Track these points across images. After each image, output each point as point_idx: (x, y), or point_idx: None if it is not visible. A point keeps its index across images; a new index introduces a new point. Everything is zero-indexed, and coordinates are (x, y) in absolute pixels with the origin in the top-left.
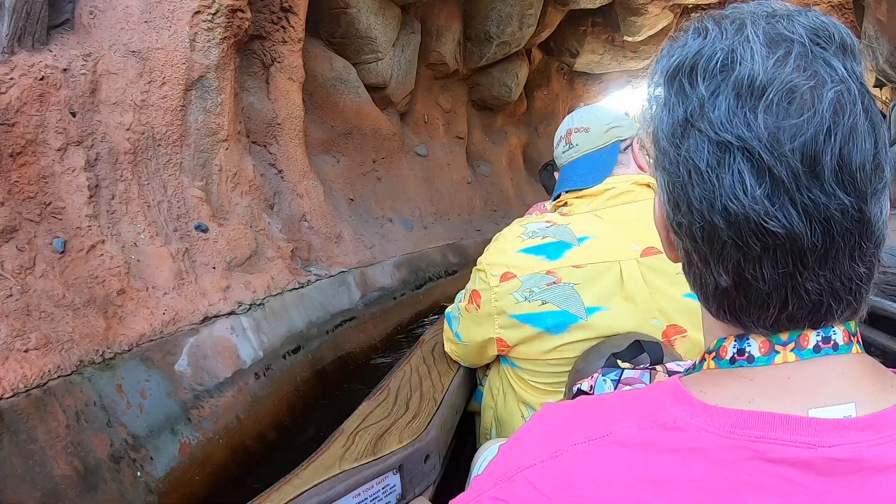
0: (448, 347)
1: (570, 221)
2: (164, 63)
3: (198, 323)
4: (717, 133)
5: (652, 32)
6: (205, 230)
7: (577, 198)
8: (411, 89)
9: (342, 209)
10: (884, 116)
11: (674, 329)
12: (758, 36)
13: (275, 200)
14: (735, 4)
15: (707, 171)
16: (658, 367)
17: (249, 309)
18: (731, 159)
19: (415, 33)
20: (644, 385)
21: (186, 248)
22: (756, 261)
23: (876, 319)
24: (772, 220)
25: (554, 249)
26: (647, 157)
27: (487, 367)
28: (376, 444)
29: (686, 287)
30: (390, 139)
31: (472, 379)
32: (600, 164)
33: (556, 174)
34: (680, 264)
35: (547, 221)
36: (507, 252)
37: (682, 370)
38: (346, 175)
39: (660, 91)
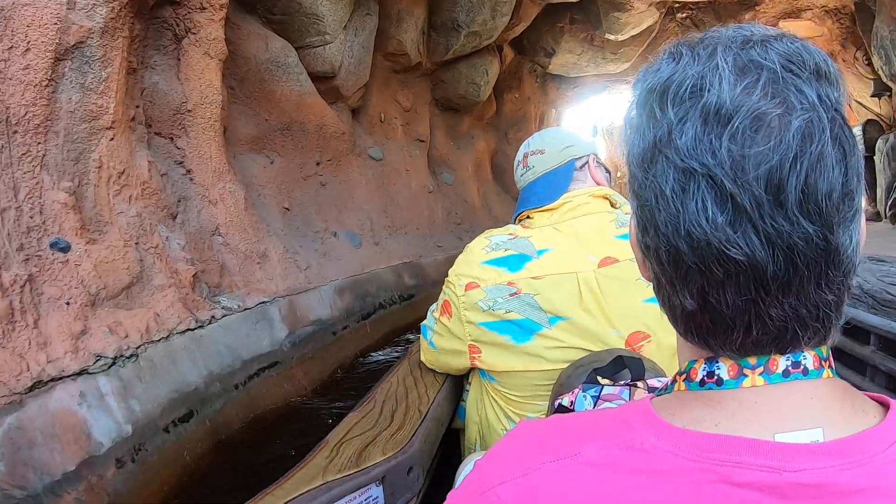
0: (423, 357)
1: (531, 234)
2: (29, 23)
3: (22, 392)
4: (682, 160)
5: (635, 31)
6: (64, 249)
7: (538, 212)
8: (365, 82)
9: (272, 221)
10: (883, 128)
11: (638, 335)
12: (727, 62)
13: (178, 209)
14: (715, 29)
15: (672, 197)
16: (639, 384)
17: (113, 364)
18: (696, 186)
19: (371, 15)
20: (623, 401)
21: (30, 276)
22: (719, 286)
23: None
24: (734, 248)
25: (515, 261)
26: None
27: (469, 382)
28: (360, 456)
29: (648, 292)
30: (338, 138)
31: (459, 392)
32: (555, 182)
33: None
34: (637, 271)
35: (510, 234)
36: (473, 263)
37: (661, 386)
38: (282, 179)
39: (634, 114)
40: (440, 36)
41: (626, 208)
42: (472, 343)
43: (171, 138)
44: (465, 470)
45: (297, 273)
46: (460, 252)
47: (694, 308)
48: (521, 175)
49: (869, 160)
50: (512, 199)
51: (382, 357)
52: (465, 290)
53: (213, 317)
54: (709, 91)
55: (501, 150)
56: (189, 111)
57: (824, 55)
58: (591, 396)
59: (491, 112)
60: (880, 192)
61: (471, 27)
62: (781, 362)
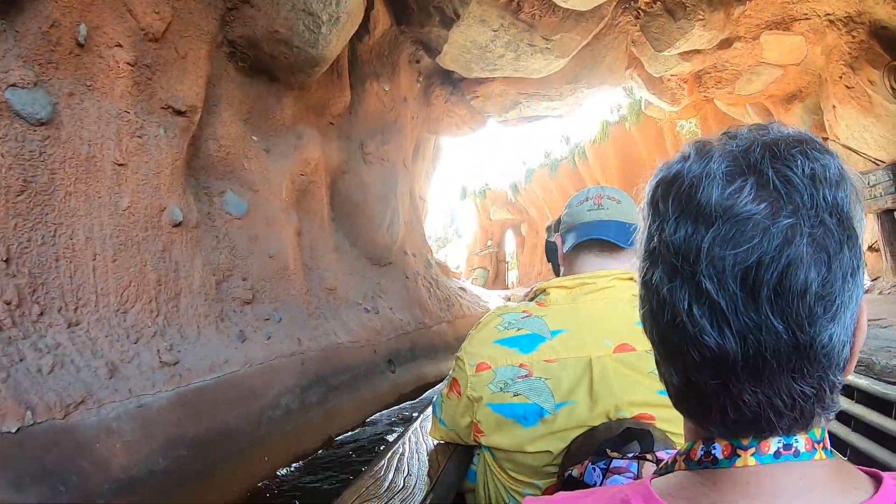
0: (432, 433)
1: (546, 314)
2: None
3: None
4: (671, 255)
5: (584, 7)
6: None
7: (556, 287)
8: None
9: None
10: None
11: (644, 416)
12: (721, 166)
13: None
14: (734, 127)
15: (662, 287)
16: (648, 456)
17: None
18: (680, 280)
19: None
20: (632, 474)
21: None
22: (697, 368)
23: None
24: (707, 336)
25: (527, 342)
26: None
27: (479, 447)
28: None
29: (661, 385)
30: None
31: (469, 457)
32: (626, 233)
33: (559, 238)
34: (654, 364)
35: (524, 311)
36: (484, 342)
37: (668, 460)
38: None
39: (644, 206)
40: None
41: None
42: (477, 422)
43: None
44: None
45: None
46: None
47: (679, 384)
48: (588, 210)
49: None
50: (371, 265)
51: None
52: (476, 370)
53: None
54: (701, 192)
55: (353, 171)
56: None
57: (826, 157)
58: (601, 468)
59: (341, 102)
60: None
61: None
62: (773, 444)
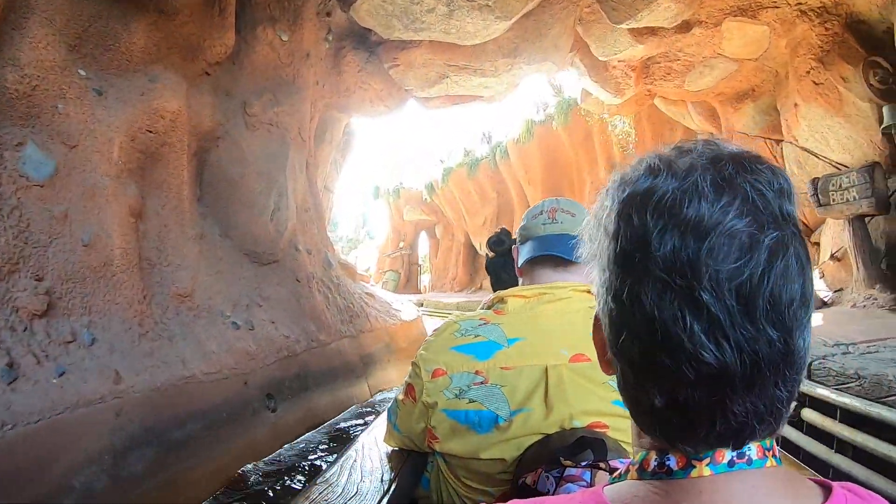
0: (386, 439)
1: (503, 322)
2: None
3: None
4: (661, 270)
5: None
6: None
7: (513, 296)
8: None
9: None
10: None
11: (598, 424)
12: (706, 181)
13: None
14: (683, 142)
15: (650, 304)
16: (601, 465)
17: None
18: (672, 295)
19: None
20: (585, 482)
21: None
22: (689, 386)
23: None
24: (706, 353)
25: (484, 349)
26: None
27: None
28: None
29: (615, 395)
30: None
31: (423, 464)
32: (574, 249)
33: (516, 250)
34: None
35: (481, 319)
36: (441, 349)
37: (622, 469)
38: None
39: (609, 219)
40: None
41: None
42: (432, 427)
43: None
44: None
45: None
46: None
47: (663, 406)
48: (543, 224)
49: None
50: (249, 263)
51: None
52: (432, 376)
53: None
54: (688, 206)
55: (230, 138)
56: None
57: (783, 172)
58: (554, 477)
59: (221, 47)
60: None
61: None
62: (727, 453)
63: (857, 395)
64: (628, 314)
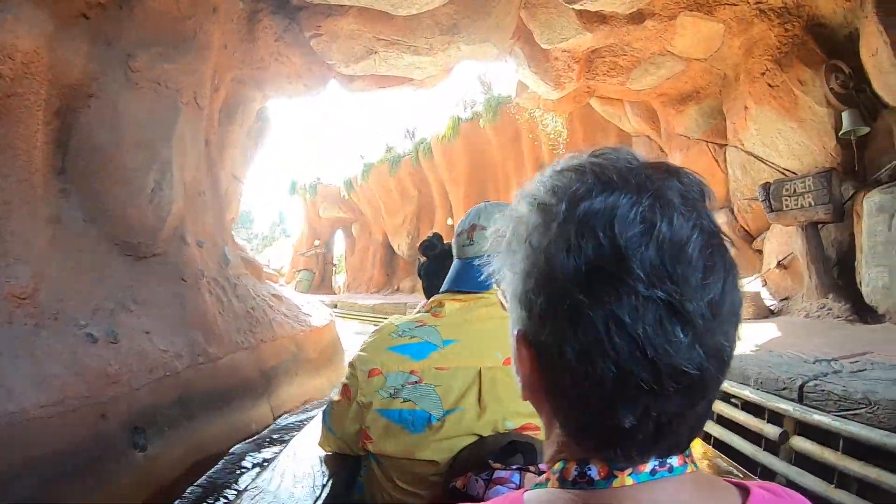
0: (321, 443)
1: (439, 324)
2: None
3: None
4: (644, 285)
5: None
6: None
7: (451, 300)
8: None
9: None
10: None
11: (529, 426)
12: (670, 197)
13: None
14: (599, 148)
15: (630, 321)
16: (531, 468)
17: None
18: (656, 310)
19: None
20: (514, 485)
21: None
22: (665, 399)
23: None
24: (690, 364)
25: (420, 350)
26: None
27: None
28: None
29: None
30: None
31: (358, 468)
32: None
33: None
34: None
35: (418, 321)
36: (379, 349)
37: (541, 479)
38: None
39: (561, 242)
40: None
41: None
42: (366, 427)
43: None
44: None
45: None
46: None
47: (635, 424)
48: (463, 246)
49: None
50: (121, 255)
51: None
52: (368, 376)
53: None
54: (661, 220)
55: (106, 97)
56: None
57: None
58: (483, 479)
59: None
60: (871, 274)
61: None
62: (649, 463)
63: (867, 424)
64: (602, 335)
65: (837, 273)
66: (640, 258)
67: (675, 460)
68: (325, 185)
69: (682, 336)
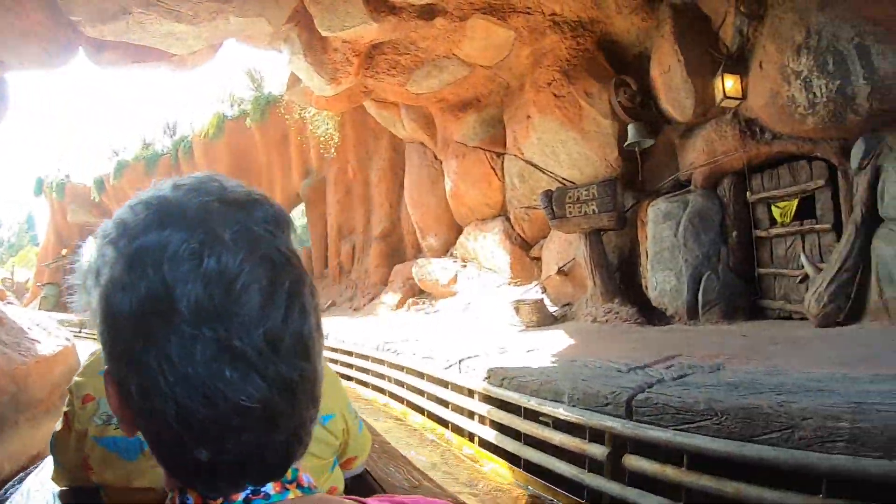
0: (53, 477)
1: None
2: None
3: None
4: (188, 324)
5: None
6: None
7: None
8: None
9: None
10: None
11: None
12: (224, 229)
13: None
14: (181, 177)
15: (179, 360)
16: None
17: None
18: (204, 347)
19: None
20: None
21: None
22: (236, 432)
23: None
24: (246, 399)
25: None
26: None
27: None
28: None
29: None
30: None
31: (97, 499)
32: None
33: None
34: None
35: None
36: (93, 372)
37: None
38: None
39: (117, 277)
40: None
41: None
42: (87, 457)
43: None
44: None
45: None
46: None
47: (207, 458)
48: None
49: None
50: None
51: None
52: (83, 402)
53: None
54: (209, 257)
55: None
56: None
57: (283, 209)
58: None
59: None
60: (657, 278)
61: None
62: (243, 492)
63: (717, 436)
64: (157, 374)
65: (620, 278)
66: (186, 296)
67: (270, 488)
68: (74, 185)
69: (232, 373)
